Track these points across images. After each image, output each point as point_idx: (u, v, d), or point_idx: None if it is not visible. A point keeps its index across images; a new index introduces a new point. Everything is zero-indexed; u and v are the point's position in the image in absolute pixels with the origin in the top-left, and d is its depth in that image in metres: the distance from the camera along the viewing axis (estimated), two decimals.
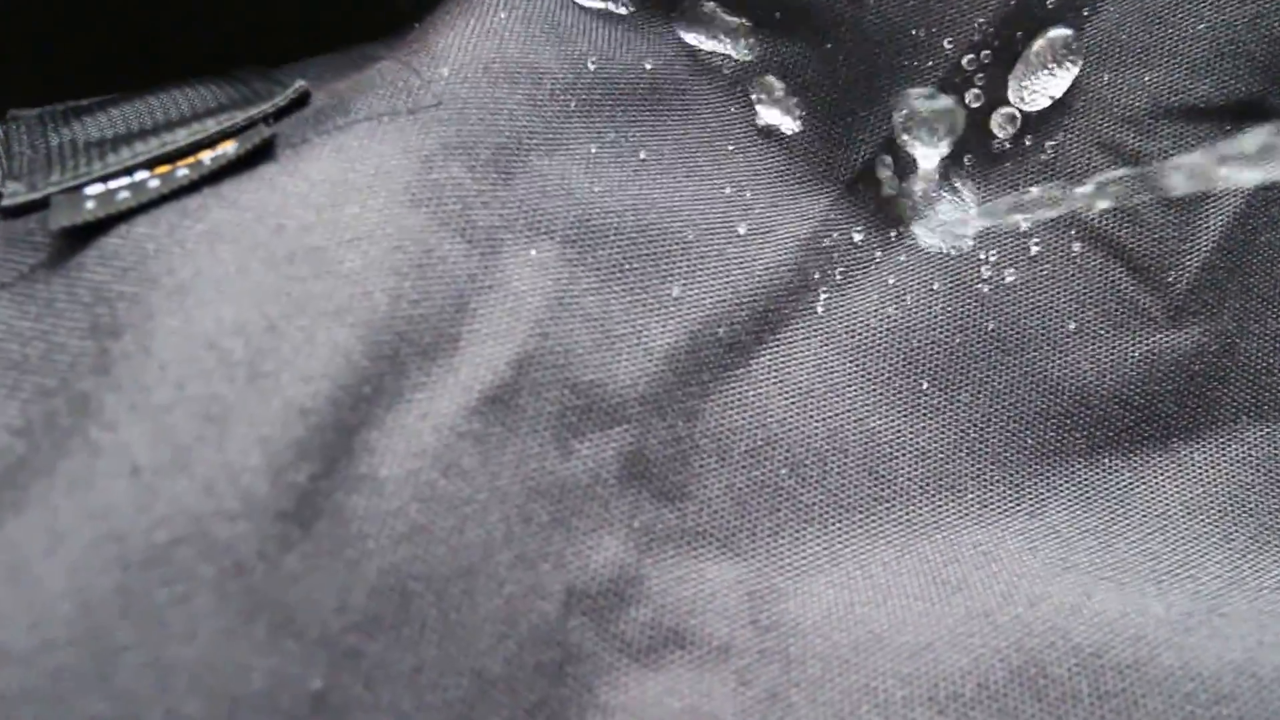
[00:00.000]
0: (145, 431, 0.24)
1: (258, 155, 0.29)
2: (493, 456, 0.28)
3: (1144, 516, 0.37)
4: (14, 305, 0.27)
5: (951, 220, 0.39)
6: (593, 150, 0.35)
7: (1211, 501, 0.37)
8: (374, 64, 0.35)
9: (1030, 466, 0.37)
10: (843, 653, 0.31)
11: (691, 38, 0.38)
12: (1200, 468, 0.38)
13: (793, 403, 0.35)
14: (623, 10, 0.37)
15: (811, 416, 0.35)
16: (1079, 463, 0.37)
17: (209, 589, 0.23)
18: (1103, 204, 0.38)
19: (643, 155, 0.36)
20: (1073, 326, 0.38)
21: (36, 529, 0.23)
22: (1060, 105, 0.38)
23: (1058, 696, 0.30)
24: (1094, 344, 0.38)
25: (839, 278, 0.37)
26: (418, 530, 0.26)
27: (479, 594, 0.27)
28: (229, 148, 0.30)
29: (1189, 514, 0.37)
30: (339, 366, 0.26)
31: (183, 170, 0.29)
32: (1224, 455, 0.38)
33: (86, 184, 0.29)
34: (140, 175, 0.29)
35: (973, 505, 0.36)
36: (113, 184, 0.29)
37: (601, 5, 0.37)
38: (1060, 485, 0.37)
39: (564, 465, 0.30)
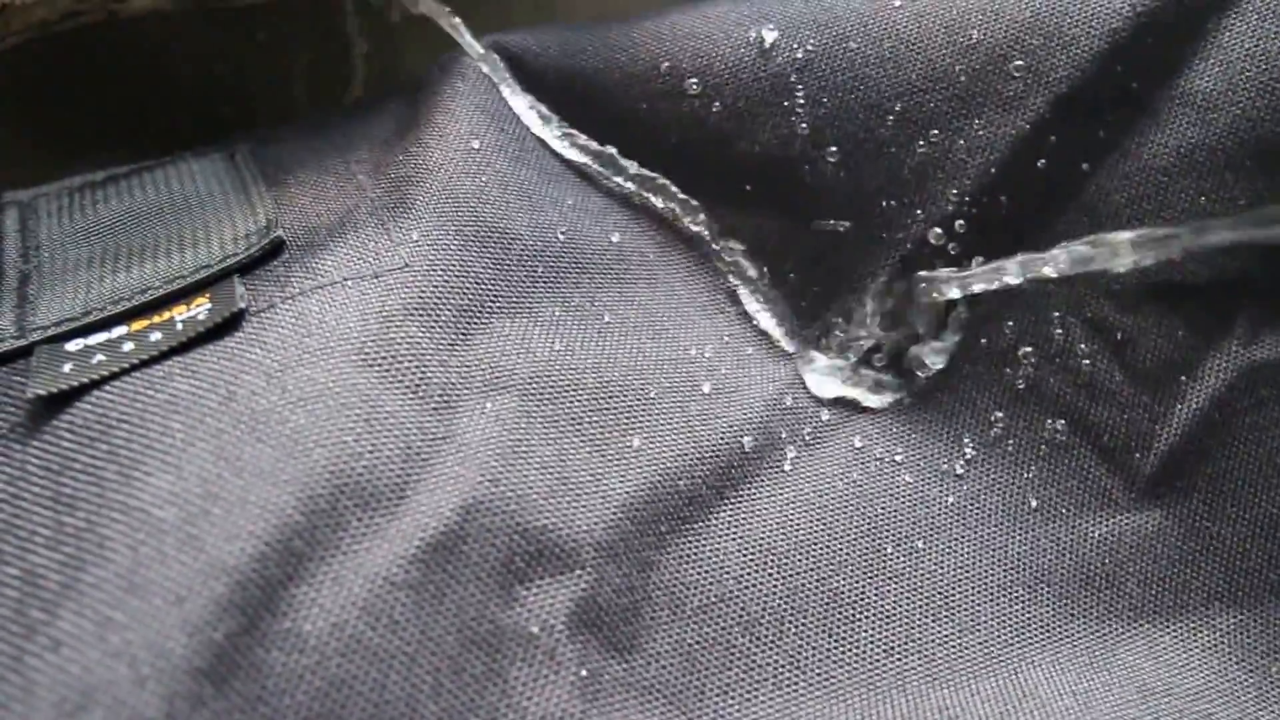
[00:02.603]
0: (72, 608, 0.25)
1: (226, 326, 0.31)
2: (427, 606, 0.28)
3: (1123, 686, 0.36)
4: None
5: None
6: (557, 313, 0.36)
7: (1188, 683, 0.36)
8: (352, 195, 0.36)
9: (1000, 634, 0.36)
10: None
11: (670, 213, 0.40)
12: (1172, 651, 0.37)
13: (752, 560, 0.35)
14: (597, 168, 0.39)
15: (771, 574, 0.35)
16: (1048, 634, 0.37)
17: None
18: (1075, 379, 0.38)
19: (607, 319, 0.37)
20: (1034, 504, 0.38)
21: None
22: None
23: None
24: (1054, 523, 0.38)
25: (808, 437, 0.38)
26: (337, 685, 0.27)
27: None
28: (202, 309, 0.31)
29: (1167, 692, 0.36)
30: (268, 524, 0.27)
31: (156, 334, 0.31)
32: (1196, 640, 0.37)
33: (69, 336, 0.31)
34: (117, 331, 0.31)
35: (941, 668, 0.35)
36: (92, 339, 0.31)
37: (581, 160, 0.39)
38: (1032, 653, 0.36)
39: (505, 613, 0.30)
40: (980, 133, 0.38)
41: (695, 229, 0.40)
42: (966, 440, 0.39)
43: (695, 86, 0.38)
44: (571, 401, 0.34)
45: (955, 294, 0.38)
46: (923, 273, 0.39)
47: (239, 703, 0.25)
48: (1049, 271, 0.37)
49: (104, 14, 0.40)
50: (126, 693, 0.24)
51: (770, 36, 0.38)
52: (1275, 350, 0.37)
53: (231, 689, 0.25)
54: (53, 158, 0.39)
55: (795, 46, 0.38)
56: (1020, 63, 0.37)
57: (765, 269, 0.40)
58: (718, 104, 0.38)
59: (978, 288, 0.38)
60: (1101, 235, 0.36)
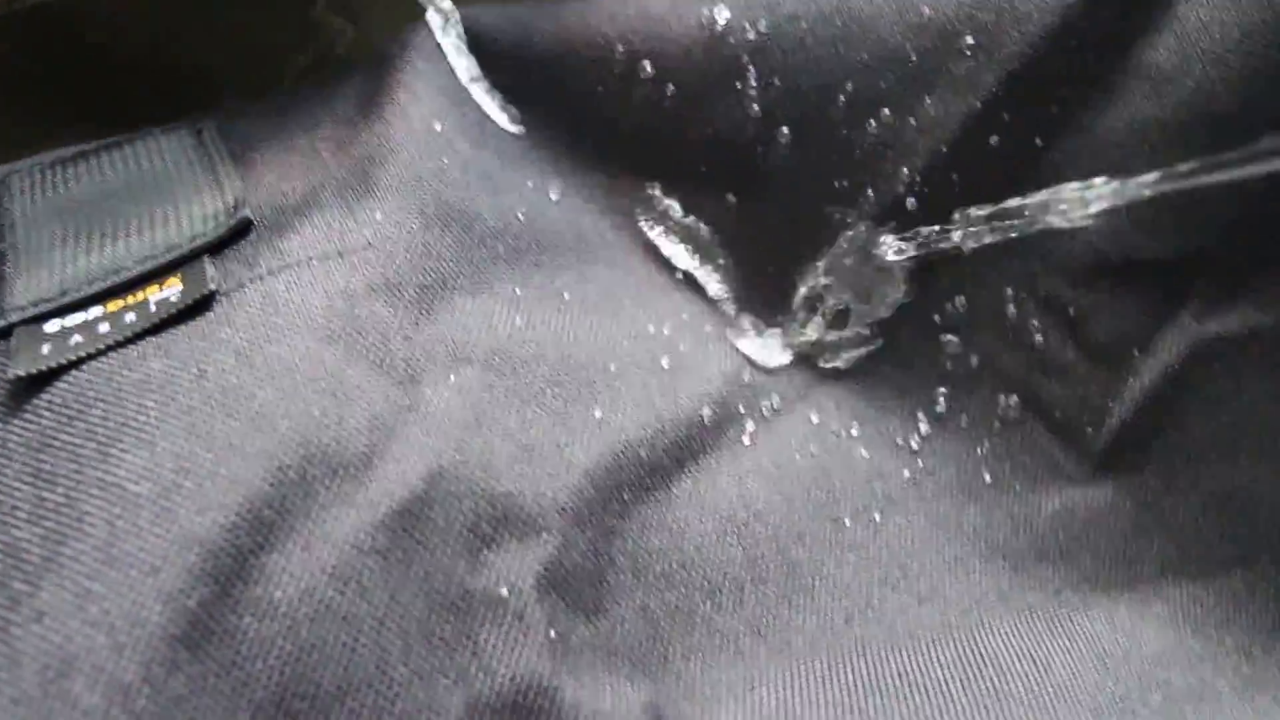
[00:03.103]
0: (53, 580, 0.26)
1: (197, 307, 0.31)
2: (395, 571, 0.29)
3: (1081, 652, 0.36)
4: None
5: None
6: (517, 291, 0.36)
7: (1145, 650, 0.36)
8: (317, 172, 0.36)
9: (958, 603, 0.37)
10: None
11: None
12: (1128, 620, 0.37)
13: (712, 528, 0.36)
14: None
15: (731, 543, 0.36)
16: (1005, 603, 0.37)
17: (94, 715, 0.24)
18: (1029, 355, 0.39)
19: (567, 296, 0.37)
20: (988, 478, 0.39)
21: None
22: (1003, 249, 0.38)
23: None
24: (1008, 496, 0.39)
25: (766, 411, 0.38)
26: (307, 649, 0.27)
27: (367, 711, 0.28)
28: (174, 290, 0.32)
29: (1125, 657, 0.36)
30: (238, 495, 0.27)
31: (130, 315, 0.31)
32: (1149, 611, 0.37)
33: (47, 317, 0.32)
34: (93, 312, 0.32)
35: (900, 636, 0.36)
36: (69, 320, 0.31)
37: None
38: (990, 621, 0.37)
39: (473, 577, 0.30)
40: (931, 111, 0.38)
41: (653, 211, 0.40)
42: (921, 416, 0.40)
43: (650, 70, 0.39)
44: (533, 374, 0.35)
45: (908, 253, 0.39)
46: (886, 237, 0.39)
47: (214, 667, 0.26)
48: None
49: None
50: (106, 659, 0.25)
51: (723, 17, 0.38)
52: (1229, 325, 0.37)
53: (206, 654, 0.26)
54: (20, 134, 0.39)
55: (747, 27, 0.38)
56: (972, 40, 0.37)
57: (723, 248, 0.41)
58: (671, 87, 0.39)
59: (928, 246, 0.39)
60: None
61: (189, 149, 0.37)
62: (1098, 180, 0.36)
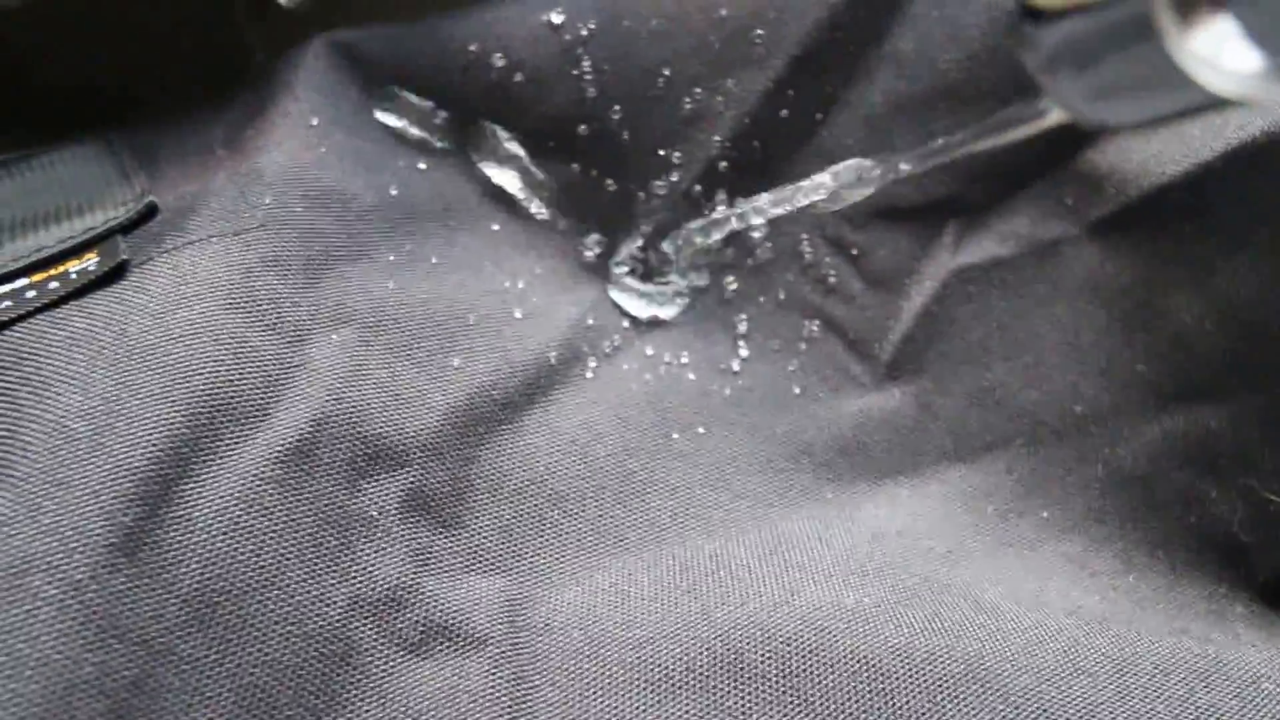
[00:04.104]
0: (8, 498, 0.32)
1: (113, 274, 0.38)
2: (289, 496, 0.36)
3: (859, 531, 0.43)
4: None
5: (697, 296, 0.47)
6: (391, 258, 0.43)
7: (917, 526, 0.43)
8: (213, 167, 0.42)
9: (766, 498, 0.45)
10: (580, 647, 0.38)
11: (490, 171, 0.47)
12: (908, 501, 0.45)
13: (558, 449, 0.43)
14: (438, 144, 0.46)
15: (574, 460, 0.43)
16: (806, 496, 0.45)
17: (51, 604, 0.31)
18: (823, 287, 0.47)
19: (435, 260, 0.44)
20: (797, 391, 0.47)
21: None
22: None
23: (750, 677, 0.37)
24: (814, 405, 0.47)
25: (607, 349, 0.46)
26: (222, 555, 0.34)
27: (271, 603, 0.35)
28: (91, 261, 0.38)
29: (897, 534, 0.43)
30: (160, 435, 0.34)
31: (53, 284, 0.37)
32: (928, 491, 0.45)
33: None
34: (19, 282, 0.38)
35: (715, 527, 0.43)
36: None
37: (418, 134, 0.46)
38: (791, 511, 0.44)
39: (352, 501, 0.38)
40: (733, 90, 0.46)
41: (512, 180, 0.47)
42: (740, 343, 0.48)
43: (500, 61, 0.45)
44: (402, 331, 0.42)
45: (717, 236, 0.47)
46: (692, 223, 0.47)
47: (147, 569, 0.33)
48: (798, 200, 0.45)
49: None
50: (59, 561, 0.32)
51: (559, 18, 0.45)
52: (977, 255, 0.46)
53: (139, 559, 0.33)
54: None
55: (580, 25, 0.45)
56: (761, 31, 0.45)
57: (572, 211, 0.48)
58: (519, 75, 0.46)
59: (734, 226, 0.46)
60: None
61: (100, 153, 0.43)
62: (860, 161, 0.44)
